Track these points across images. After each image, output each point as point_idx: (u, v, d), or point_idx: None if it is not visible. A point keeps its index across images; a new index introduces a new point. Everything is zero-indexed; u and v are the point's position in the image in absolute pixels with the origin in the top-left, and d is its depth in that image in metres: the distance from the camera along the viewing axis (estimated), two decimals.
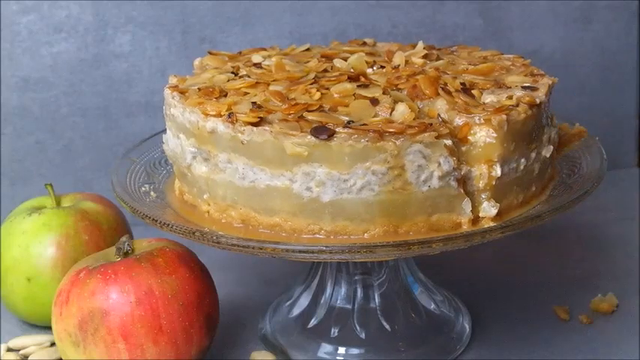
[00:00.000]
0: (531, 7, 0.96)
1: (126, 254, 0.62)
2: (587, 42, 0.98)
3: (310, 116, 0.56)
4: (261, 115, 0.56)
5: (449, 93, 0.59)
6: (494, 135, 0.56)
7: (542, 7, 0.96)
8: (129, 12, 0.89)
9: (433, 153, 0.54)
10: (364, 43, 0.73)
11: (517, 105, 0.58)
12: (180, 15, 0.90)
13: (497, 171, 0.56)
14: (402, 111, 0.56)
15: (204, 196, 0.60)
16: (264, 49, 0.72)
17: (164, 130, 0.66)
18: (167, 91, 0.63)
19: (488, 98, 0.59)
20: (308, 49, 0.71)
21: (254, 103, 0.58)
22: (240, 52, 0.72)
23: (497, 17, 0.95)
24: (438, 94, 0.59)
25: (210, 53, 0.71)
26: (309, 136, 0.54)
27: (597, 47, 0.98)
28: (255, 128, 0.55)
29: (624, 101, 1.01)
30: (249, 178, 0.57)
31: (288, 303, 0.70)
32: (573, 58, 0.98)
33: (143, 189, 0.65)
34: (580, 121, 0.69)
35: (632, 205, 0.92)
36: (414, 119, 0.56)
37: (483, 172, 0.56)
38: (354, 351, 0.65)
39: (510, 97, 0.59)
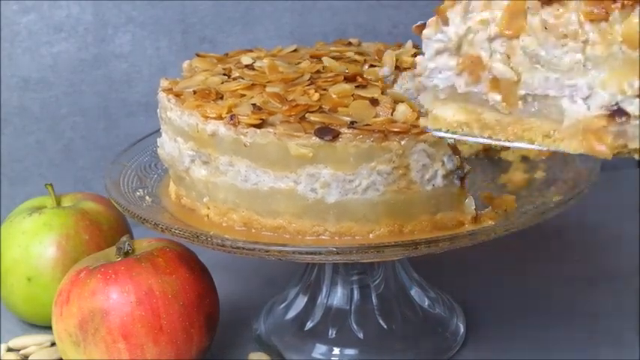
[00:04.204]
0: None
1: (126, 254, 0.62)
2: None
3: (312, 117, 0.56)
4: (263, 117, 0.56)
5: None
6: None
7: None
8: (129, 12, 0.89)
9: (437, 152, 0.55)
10: (349, 44, 0.73)
11: None
12: (180, 15, 0.90)
13: None
14: (403, 111, 0.57)
15: (204, 200, 0.60)
16: (251, 51, 0.72)
17: (150, 135, 0.66)
18: (162, 95, 0.63)
19: None
20: (295, 50, 0.71)
21: (254, 104, 0.58)
22: (226, 54, 0.72)
23: None
24: None
25: (198, 55, 0.70)
26: (313, 137, 0.54)
27: None
28: (258, 130, 0.55)
29: None
30: (252, 181, 0.56)
31: (284, 304, 0.70)
32: None
33: (138, 193, 0.65)
34: None
35: (632, 205, 0.92)
36: (416, 119, 0.56)
37: None
38: (350, 351, 0.65)
39: None
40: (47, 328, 0.67)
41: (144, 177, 0.68)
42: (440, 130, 0.52)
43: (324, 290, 0.67)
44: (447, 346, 0.67)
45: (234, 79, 0.63)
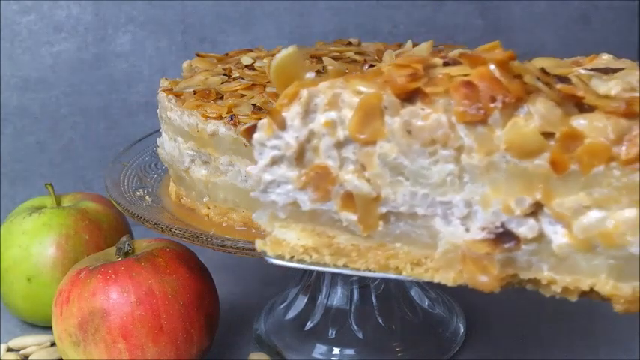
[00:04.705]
0: (532, 7, 0.96)
1: (126, 254, 0.62)
2: (587, 42, 0.98)
3: None
4: (263, 117, 0.56)
5: None
6: None
7: (542, 7, 0.96)
8: (129, 12, 0.89)
9: None
10: (349, 44, 0.72)
11: None
12: (180, 15, 0.90)
13: None
14: None
15: (204, 200, 0.60)
16: (251, 51, 0.72)
17: (150, 135, 0.66)
18: (162, 95, 0.63)
19: None
20: None
21: (254, 104, 0.58)
22: (226, 54, 0.72)
23: (497, 17, 0.95)
24: None
25: (198, 55, 0.70)
26: None
27: (597, 47, 0.98)
28: None
29: None
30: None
31: (284, 304, 0.70)
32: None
33: (138, 193, 0.65)
34: None
35: None
36: None
37: None
38: (350, 351, 0.65)
39: None
40: (47, 328, 0.67)
41: (144, 177, 0.68)
42: (282, 256, 0.42)
43: (324, 290, 0.67)
44: (447, 346, 0.67)
45: (234, 79, 0.63)
